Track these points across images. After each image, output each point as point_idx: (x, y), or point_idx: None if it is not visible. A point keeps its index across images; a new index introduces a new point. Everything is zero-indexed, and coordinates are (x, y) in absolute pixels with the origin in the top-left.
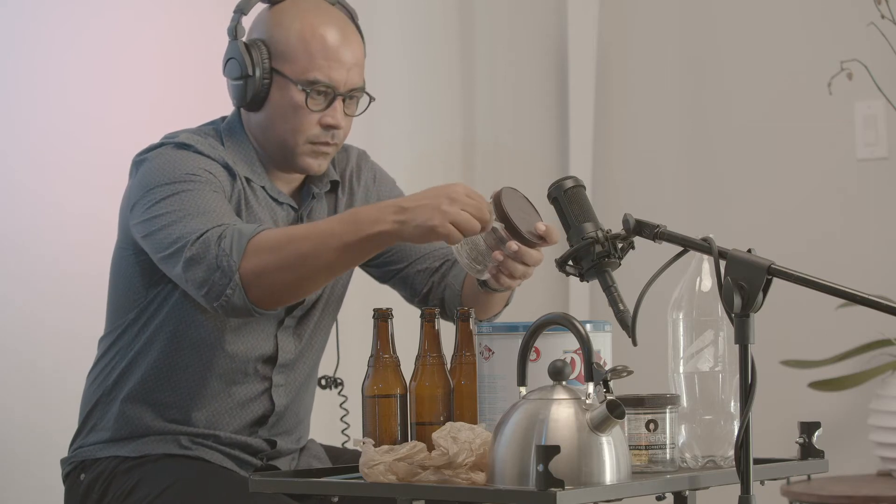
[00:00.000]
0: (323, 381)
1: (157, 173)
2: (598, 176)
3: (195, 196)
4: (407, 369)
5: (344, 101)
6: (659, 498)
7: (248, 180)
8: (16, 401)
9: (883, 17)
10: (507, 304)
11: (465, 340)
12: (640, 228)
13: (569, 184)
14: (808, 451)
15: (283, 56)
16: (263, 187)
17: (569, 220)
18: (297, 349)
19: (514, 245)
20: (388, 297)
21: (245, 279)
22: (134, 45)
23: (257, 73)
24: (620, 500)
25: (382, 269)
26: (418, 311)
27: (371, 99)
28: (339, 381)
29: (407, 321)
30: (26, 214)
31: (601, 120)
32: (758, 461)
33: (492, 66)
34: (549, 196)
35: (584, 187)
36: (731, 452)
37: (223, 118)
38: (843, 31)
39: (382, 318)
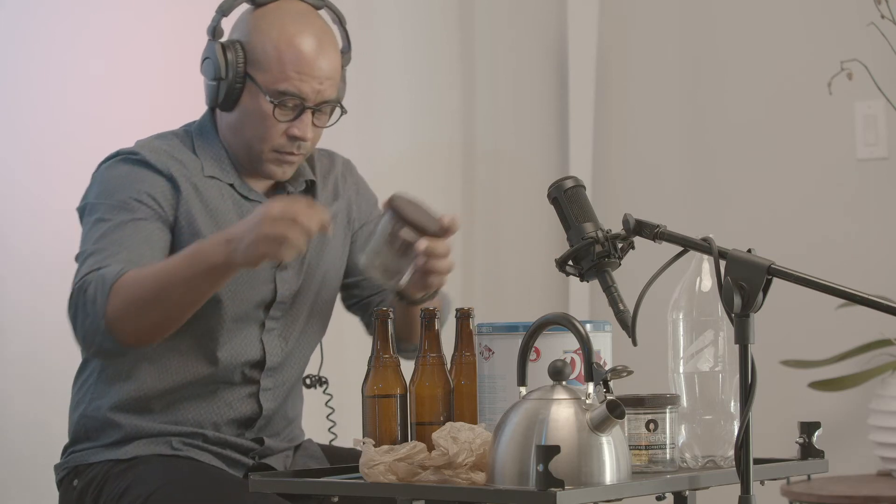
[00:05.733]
0: (307, 381)
1: (98, 192)
2: (598, 176)
3: (117, 231)
4: (407, 369)
5: (313, 113)
6: (659, 498)
7: (213, 178)
8: (16, 401)
9: (883, 17)
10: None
11: (465, 340)
12: (640, 228)
13: (569, 184)
14: (808, 451)
15: (257, 63)
16: (232, 185)
17: (569, 220)
18: (285, 352)
19: (423, 242)
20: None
21: (110, 325)
22: (134, 44)
23: (230, 76)
24: (620, 500)
25: (347, 300)
26: (418, 312)
27: (343, 111)
28: (323, 379)
29: None
30: (26, 214)
31: (601, 120)
32: (758, 461)
33: (492, 67)
34: (549, 196)
35: (584, 187)
36: (731, 452)
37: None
38: (843, 31)
39: (382, 318)
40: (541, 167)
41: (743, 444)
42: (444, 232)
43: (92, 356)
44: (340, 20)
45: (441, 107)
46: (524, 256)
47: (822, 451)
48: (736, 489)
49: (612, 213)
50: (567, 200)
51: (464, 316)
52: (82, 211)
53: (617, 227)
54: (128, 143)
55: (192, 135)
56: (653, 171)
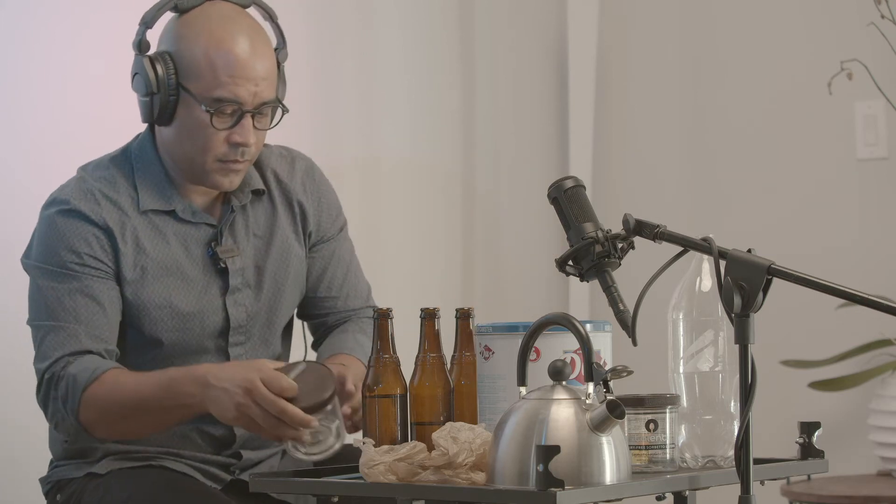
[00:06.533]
0: None
1: (40, 252)
2: (598, 176)
3: (67, 300)
4: (407, 369)
5: (253, 116)
6: (659, 498)
7: (153, 212)
8: (15, 406)
9: (883, 17)
10: None
11: (465, 340)
12: (640, 228)
13: (569, 184)
14: (808, 451)
15: (189, 72)
16: (174, 211)
17: (569, 220)
18: None
19: (346, 409)
20: (388, 296)
21: (84, 424)
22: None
23: (162, 89)
24: (620, 500)
25: (306, 307)
26: (418, 311)
27: (284, 110)
28: None
29: (407, 321)
30: (25, 216)
31: (601, 120)
32: (758, 461)
33: (492, 67)
34: (549, 196)
35: (584, 187)
36: (731, 452)
37: (139, 135)
38: (843, 31)
39: (383, 317)
40: (541, 167)
41: (743, 444)
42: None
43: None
44: (272, 16)
45: (441, 107)
46: (524, 256)
47: (822, 451)
48: (736, 489)
49: (612, 213)
50: (567, 200)
51: (464, 316)
52: (27, 267)
53: (617, 227)
54: (127, 140)
55: (131, 157)
56: (653, 171)
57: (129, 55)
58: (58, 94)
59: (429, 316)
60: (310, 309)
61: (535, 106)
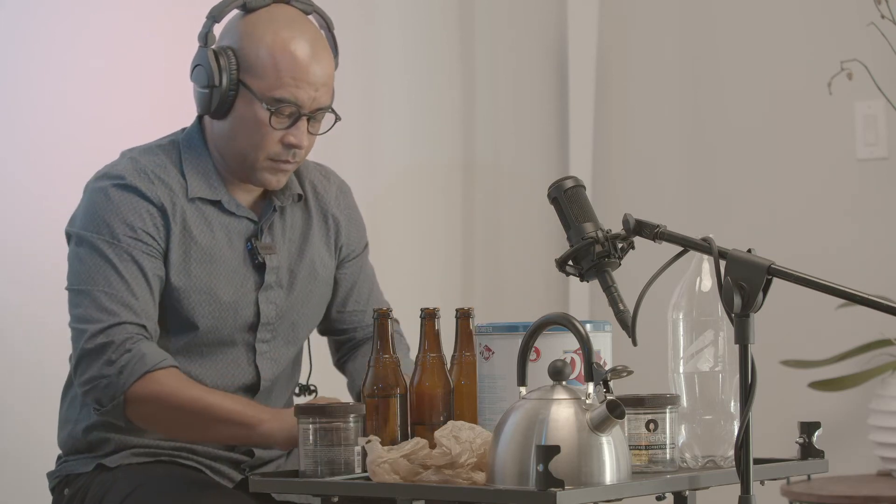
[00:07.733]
0: (297, 390)
1: (90, 221)
2: (598, 176)
3: (121, 268)
4: (407, 369)
5: (308, 120)
6: (659, 498)
7: (201, 200)
8: (17, 403)
9: (883, 17)
10: None
11: (465, 340)
12: (640, 228)
13: (569, 184)
14: (808, 451)
15: (252, 69)
16: (220, 201)
17: (569, 220)
18: (275, 373)
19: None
20: (388, 296)
21: (127, 403)
22: (134, 44)
23: (224, 83)
24: (620, 500)
25: (336, 323)
26: (418, 311)
27: (337, 118)
28: (312, 388)
29: (407, 321)
30: (26, 216)
31: (601, 120)
32: (758, 461)
33: (492, 68)
34: (549, 196)
35: (584, 187)
36: (731, 452)
37: (184, 129)
38: (843, 31)
39: (382, 317)
40: (541, 167)
41: (743, 444)
42: None
43: (91, 408)
44: (328, 25)
45: (442, 106)
46: (524, 257)
47: (822, 451)
48: (736, 489)
49: (612, 213)
50: (567, 200)
51: (464, 316)
52: (75, 237)
53: (617, 227)
54: (128, 143)
55: (179, 147)
56: (653, 171)
57: (129, 55)
58: (58, 94)
59: (429, 316)
60: (339, 324)
61: (535, 106)
